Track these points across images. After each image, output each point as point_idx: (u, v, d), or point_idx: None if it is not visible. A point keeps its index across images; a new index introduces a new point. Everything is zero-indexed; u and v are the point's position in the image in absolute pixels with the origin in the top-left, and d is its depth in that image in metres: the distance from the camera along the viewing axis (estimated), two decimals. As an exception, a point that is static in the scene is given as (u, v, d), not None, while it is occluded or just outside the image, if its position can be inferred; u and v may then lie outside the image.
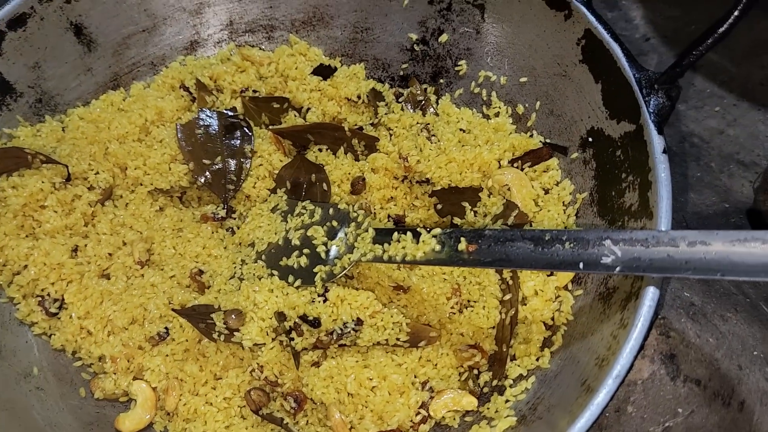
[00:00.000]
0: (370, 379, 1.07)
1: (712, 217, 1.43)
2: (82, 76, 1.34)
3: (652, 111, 1.00)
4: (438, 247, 1.05)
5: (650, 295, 0.86)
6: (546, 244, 0.92)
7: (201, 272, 1.22)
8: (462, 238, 1.03)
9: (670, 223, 0.91)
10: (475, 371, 1.10)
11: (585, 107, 1.15)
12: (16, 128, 1.25)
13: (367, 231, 1.15)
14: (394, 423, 1.04)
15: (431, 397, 1.07)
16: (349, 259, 1.13)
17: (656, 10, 1.76)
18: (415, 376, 1.09)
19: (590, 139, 1.14)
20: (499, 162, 1.24)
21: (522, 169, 1.22)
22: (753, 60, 1.62)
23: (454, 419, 1.06)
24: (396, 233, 1.10)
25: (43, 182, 1.18)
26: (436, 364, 1.10)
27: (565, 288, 1.09)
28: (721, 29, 0.94)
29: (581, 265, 0.88)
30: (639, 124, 1.01)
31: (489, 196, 1.21)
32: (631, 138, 1.04)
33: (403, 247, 1.08)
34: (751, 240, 0.76)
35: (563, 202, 1.17)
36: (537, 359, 1.04)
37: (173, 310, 1.12)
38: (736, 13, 0.94)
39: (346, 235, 1.17)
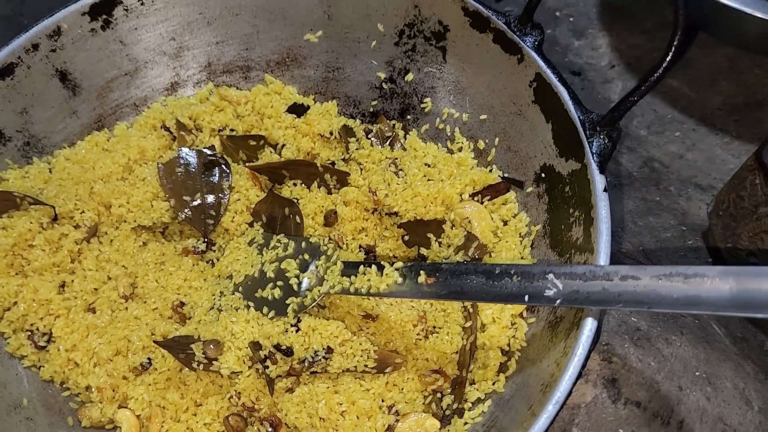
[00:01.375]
0: (340, 404, 1.14)
1: (670, 239, 1.51)
2: (68, 119, 1.41)
3: (594, 152, 1.08)
4: (400, 280, 1.12)
5: (588, 325, 0.93)
6: (496, 277, 1.00)
7: (182, 304, 1.29)
8: (422, 272, 1.10)
9: (608, 258, 0.99)
10: (439, 394, 1.17)
11: (538, 144, 1.23)
12: (6, 171, 1.32)
13: (335, 264, 1.22)
14: (362, 445, 1.11)
15: (397, 420, 1.14)
16: (319, 291, 1.20)
17: (621, 38, 1.85)
18: (383, 400, 1.16)
19: (543, 175, 1.22)
20: (460, 195, 1.31)
21: (482, 203, 1.30)
22: (711, 86, 1.70)
23: (418, 441, 1.14)
24: (362, 266, 1.18)
25: (31, 223, 1.25)
26: (402, 389, 1.17)
27: (521, 315, 1.17)
28: (654, 76, 1.02)
29: (526, 298, 0.96)
30: (584, 163, 1.09)
31: (452, 228, 1.29)
32: (577, 175, 1.12)
33: (368, 280, 1.15)
34: (675, 275, 0.84)
35: (520, 234, 1.25)
36: (493, 383, 1.12)
37: (155, 342, 1.19)
38: (667, 59, 1.02)
39: (317, 267, 1.24)
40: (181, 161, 1.38)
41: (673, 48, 0.98)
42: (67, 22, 1.33)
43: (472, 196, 1.31)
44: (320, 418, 1.14)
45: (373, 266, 1.16)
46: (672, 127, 1.70)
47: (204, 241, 1.35)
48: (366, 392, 1.15)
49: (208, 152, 1.41)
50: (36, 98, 1.35)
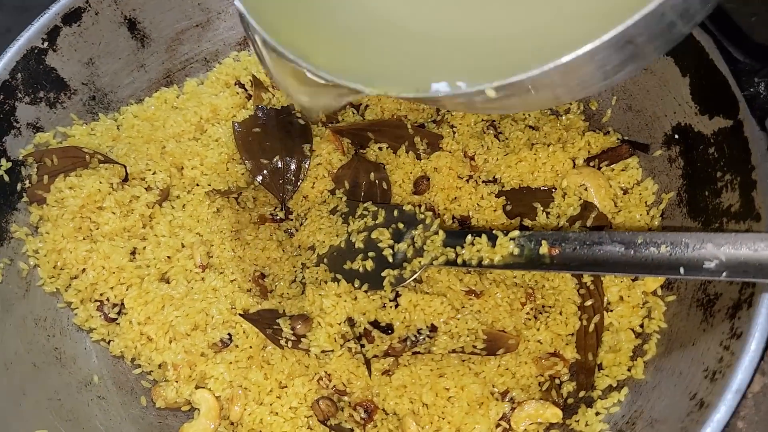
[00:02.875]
0: (447, 389, 1.02)
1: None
2: (136, 73, 1.30)
3: (752, 105, 0.94)
4: (516, 251, 0.99)
5: (766, 302, 0.80)
6: (638, 247, 0.86)
7: (263, 276, 1.17)
8: (543, 241, 0.97)
9: (781, 224, 0.85)
10: (557, 381, 1.05)
11: (670, 102, 1.08)
12: (70, 127, 1.21)
13: (436, 233, 1.09)
14: (474, 436, 0.99)
15: (512, 409, 1.01)
16: (420, 262, 1.08)
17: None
18: (494, 386, 1.04)
19: (676, 136, 1.08)
20: (573, 161, 1.18)
21: (599, 168, 1.16)
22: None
23: (538, 432, 1.01)
24: (470, 236, 1.05)
25: (101, 183, 1.14)
26: (514, 374, 1.04)
27: (654, 293, 1.03)
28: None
29: (681, 270, 0.82)
30: (737, 119, 0.95)
31: (563, 197, 1.15)
32: (726, 134, 0.97)
33: (478, 251, 1.03)
34: None
35: (646, 203, 1.11)
36: (629, 369, 0.98)
37: (240, 315, 1.08)
38: None
39: (413, 238, 1.11)
40: (259, 120, 1.26)
41: None
42: (138, -37, 1.22)
43: (587, 161, 1.18)
44: (424, 404, 1.02)
45: (483, 235, 1.03)
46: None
47: (282, 209, 1.23)
48: (476, 376, 1.03)
49: (287, 111, 1.28)
50: (103, 48, 1.24)
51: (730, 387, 0.76)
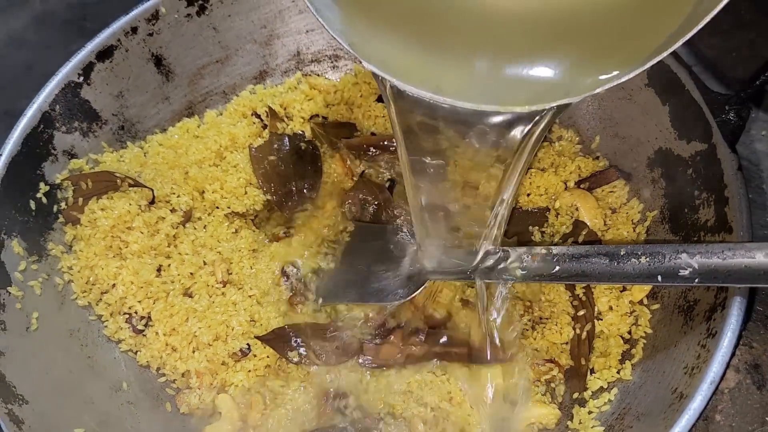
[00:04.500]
0: (449, 393, 1.10)
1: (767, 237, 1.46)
2: (161, 104, 1.40)
3: (723, 131, 1.04)
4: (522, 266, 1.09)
5: (737, 304, 0.89)
6: (621, 258, 0.96)
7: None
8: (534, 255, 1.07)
9: (750, 236, 0.95)
10: (552, 385, 1.13)
11: (652, 129, 1.19)
12: (101, 154, 1.31)
13: None
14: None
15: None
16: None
17: (697, 39, 1.81)
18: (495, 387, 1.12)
19: (658, 159, 1.18)
20: (565, 183, 1.28)
21: (590, 191, 1.26)
22: (798, 85, 1.65)
23: (534, 432, 1.09)
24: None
25: (130, 204, 1.23)
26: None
27: (641, 303, 1.12)
28: (791, 52, 0.98)
29: (659, 278, 0.91)
30: (711, 143, 1.05)
31: (557, 217, 1.25)
32: (703, 157, 1.08)
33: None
34: None
35: (632, 221, 1.21)
36: (618, 372, 1.07)
37: (256, 337, 1.17)
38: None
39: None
40: (274, 145, 1.37)
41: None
42: (165, 6, 1.33)
43: (578, 184, 1.27)
44: (430, 408, 1.10)
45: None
46: (757, 126, 1.65)
47: (291, 227, 1.33)
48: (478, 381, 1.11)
49: (300, 137, 1.39)
50: (132, 82, 1.34)
51: (705, 379, 0.84)
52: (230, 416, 1.15)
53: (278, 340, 1.19)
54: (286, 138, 1.39)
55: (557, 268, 1.03)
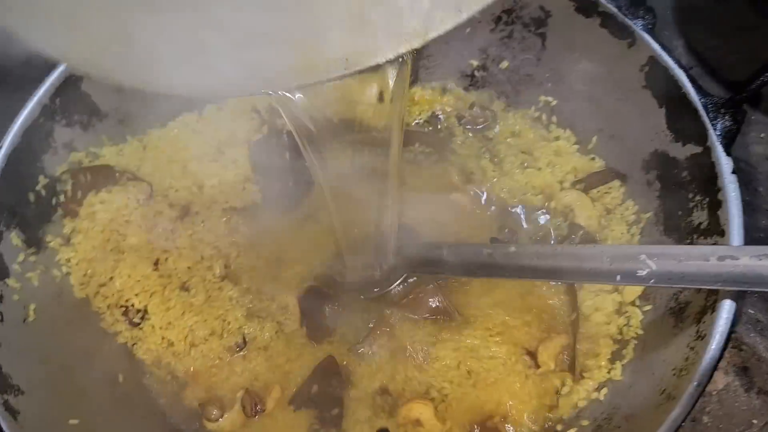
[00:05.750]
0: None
1: (764, 240, 1.46)
2: (161, 99, 1.39)
3: (719, 134, 1.04)
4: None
5: (727, 307, 0.90)
6: (586, 259, 0.95)
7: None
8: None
9: (743, 240, 0.95)
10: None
11: (648, 131, 1.19)
12: (101, 147, 1.32)
13: None
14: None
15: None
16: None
17: (697, 41, 1.81)
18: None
19: (653, 161, 1.19)
20: (561, 183, 1.28)
21: (585, 192, 1.26)
22: (795, 88, 1.65)
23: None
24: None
25: (128, 198, 1.24)
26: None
27: (633, 303, 1.13)
28: (787, 56, 0.99)
29: (618, 278, 0.92)
30: (706, 146, 1.05)
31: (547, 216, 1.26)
32: (697, 159, 1.08)
33: None
34: None
35: (627, 222, 1.21)
36: (608, 372, 1.08)
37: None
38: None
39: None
40: (272, 141, 1.37)
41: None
42: None
43: (574, 184, 1.28)
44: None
45: None
46: (756, 128, 1.65)
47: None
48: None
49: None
50: (132, 76, 1.34)
51: (693, 381, 0.85)
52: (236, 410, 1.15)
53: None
54: (285, 134, 1.39)
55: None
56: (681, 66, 1.13)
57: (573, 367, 1.10)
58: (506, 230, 1.27)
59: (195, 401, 1.18)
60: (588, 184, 1.27)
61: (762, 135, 1.63)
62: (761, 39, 1.72)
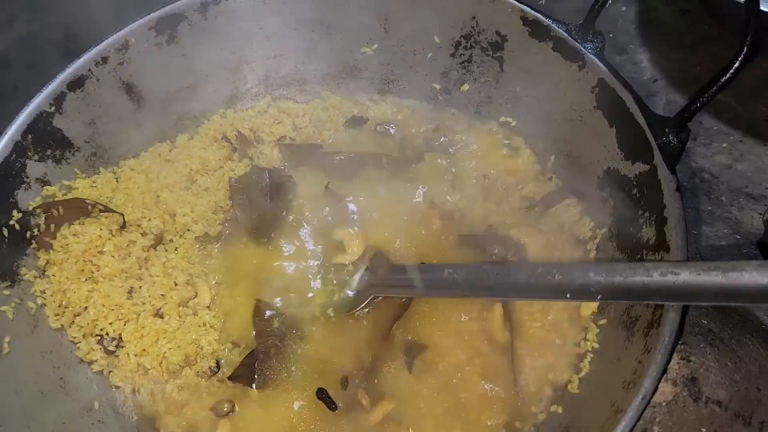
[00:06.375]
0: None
1: (725, 248, 1.50)
2: (133, 131, 1.44)
3: (663, 152, 1.09)
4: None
5: (669, 322, 0.94)
6: (539, 276, 0.99)
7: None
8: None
9: (686, 254, 0.99)
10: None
11: (601, 149, 1.24)
12: (74, 180, 1.35)
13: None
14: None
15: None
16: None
17: (662, 54, 1.86)
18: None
19: (607, 179, 1.23)
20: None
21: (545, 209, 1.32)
22: (757, 98, 1.70)
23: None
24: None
25: (101, 230, 1.28)
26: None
27: (591, 317, 1.17)
28: (725, 77, 1.03)
29: (568, 295, 0.96)
30: (652, 164, 1.10)
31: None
32: (645, 177, 1.12)
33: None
34: (714, 269, 0.82)
35: (584, 238, 1.26)
36: (566, 385, 1.12)
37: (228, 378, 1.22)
38: (739, 59, 1.03)
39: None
40: (254, 178, 1.41)
41: (746, 48, 0.99)
42: (134, 36, 1.37)
43: (532, 207, 1.33)
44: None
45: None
46: (719, 138, 1.70)
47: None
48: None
49: (279, 173, 1.44)
50: (103, 110, 1.38)
51: (638, 395, 0.89)
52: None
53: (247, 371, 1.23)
54: (266, 172, 1.43)
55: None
56: (627, 86, 1.18)
57: None
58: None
59: (173, 426, 1.21)
60: (545, 204, 1.31)
61: (724, 145, 1.68)
62: (723, 48, 1.77)
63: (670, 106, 1.71)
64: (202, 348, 1.23)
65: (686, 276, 0.85)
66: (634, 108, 1.15)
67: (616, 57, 1.90)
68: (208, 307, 1.29)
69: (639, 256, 1.10)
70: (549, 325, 1.20)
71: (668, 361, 0.90)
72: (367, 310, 1.25)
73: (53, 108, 1.30)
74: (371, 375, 1.18)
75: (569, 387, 1.11)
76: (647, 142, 1.11)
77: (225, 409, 1.18)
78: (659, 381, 0.89)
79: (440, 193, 1.36)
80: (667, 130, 1.10)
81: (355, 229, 1.34)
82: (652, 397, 0.88)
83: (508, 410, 1.11)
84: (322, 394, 1.16)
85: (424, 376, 1.17)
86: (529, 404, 1.12)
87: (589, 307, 1.16)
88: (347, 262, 1.31)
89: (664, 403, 0.98)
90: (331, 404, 1.16)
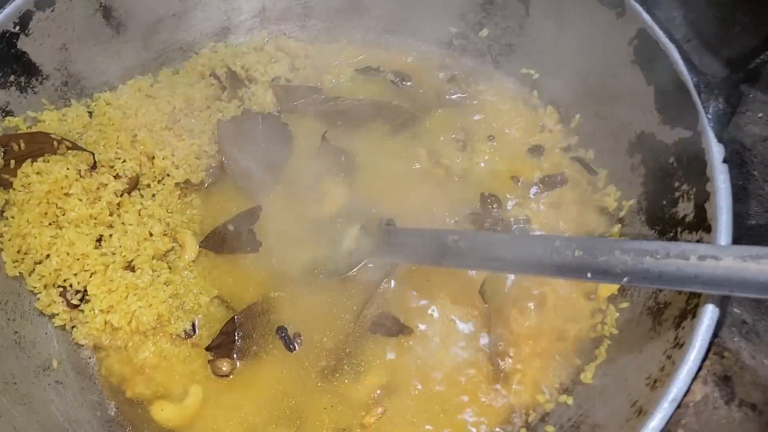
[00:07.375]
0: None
1: (756, 228, 1.37)
2: (110, 60, 1.30)
3: (711, 118, 0.95)
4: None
5: (709, 313, 0.81)
6: (556, 250, 0.87)
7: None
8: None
9: (730, 238, 0.86)
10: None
11: (635, 110, 1.10)
12: (41, 112, 1.21)
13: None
14: None
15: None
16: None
17: (697, 11, 1.70)
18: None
19: (639, 144, 1.09)
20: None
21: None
22: (797, 65, 1.56)
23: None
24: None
25: (68, 169, 1.14)
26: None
27: (609, 299, 1.04)
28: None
29: (589, 274, 0.84)
30: (696, 130, 0.96)
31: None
32: (686, 145, 0.99)
33: None
34: (764, 257, 0.71)
35: (608, 209, 1.12)
36: (578, 374, 1.00)
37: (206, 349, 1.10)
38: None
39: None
40: (245, 123, 1.27)
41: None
42: (114, -51, 1.21)
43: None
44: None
45: None
46: (754, 107, 1.55)
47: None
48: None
49: (274, 118, 1.31)
50: (77, 34, 1.23)
51: (666, 396, 0.77)
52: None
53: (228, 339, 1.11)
54: (260, 117, 1.29)
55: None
56: (673, 40, 1.03)
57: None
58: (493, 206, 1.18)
59: (141, 388, 1.09)
60: (547, 186, 1.20)
61: (760, 115, 1.53)
62: (765, 10, 1.61)
63: (704, 68, 1.57)
64: (176, 308, 1.11)
65: (730, 262, 0.73)
66: (679, 65, 1.00)
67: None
68: (193, 261, 1.17)
69: (672, 234, 0.97)
70: (558, 299, 1.08)
71: (703, 360, 0.78)
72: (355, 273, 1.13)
73: (18, 28, 1.15)
74: (356, 349, 1.06)
75: (582, 376, 0.98)
76: (692, 105, 0.97)
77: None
78: (692, 382, 0.77)
79: (449, 153, 1.22)
80: (716, 92, 0.96)
81: (343, 180, 1.21)
82: (683, 400, 0.76)
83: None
84: (281, 333, 1.09)
85: (409, 355, 1.07)
86: (533, 393, 1.00)
87: (609, 288, 1.04)
88: (328, 215, 1.19)
89: (691, 404, 0.86)
90: (289, 344, 1.08)
